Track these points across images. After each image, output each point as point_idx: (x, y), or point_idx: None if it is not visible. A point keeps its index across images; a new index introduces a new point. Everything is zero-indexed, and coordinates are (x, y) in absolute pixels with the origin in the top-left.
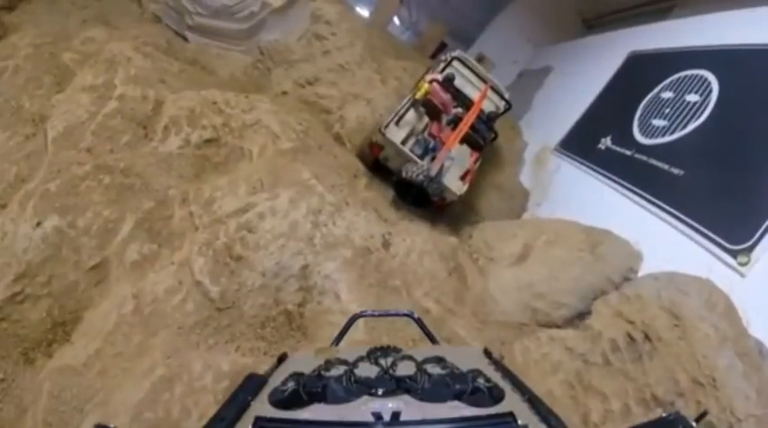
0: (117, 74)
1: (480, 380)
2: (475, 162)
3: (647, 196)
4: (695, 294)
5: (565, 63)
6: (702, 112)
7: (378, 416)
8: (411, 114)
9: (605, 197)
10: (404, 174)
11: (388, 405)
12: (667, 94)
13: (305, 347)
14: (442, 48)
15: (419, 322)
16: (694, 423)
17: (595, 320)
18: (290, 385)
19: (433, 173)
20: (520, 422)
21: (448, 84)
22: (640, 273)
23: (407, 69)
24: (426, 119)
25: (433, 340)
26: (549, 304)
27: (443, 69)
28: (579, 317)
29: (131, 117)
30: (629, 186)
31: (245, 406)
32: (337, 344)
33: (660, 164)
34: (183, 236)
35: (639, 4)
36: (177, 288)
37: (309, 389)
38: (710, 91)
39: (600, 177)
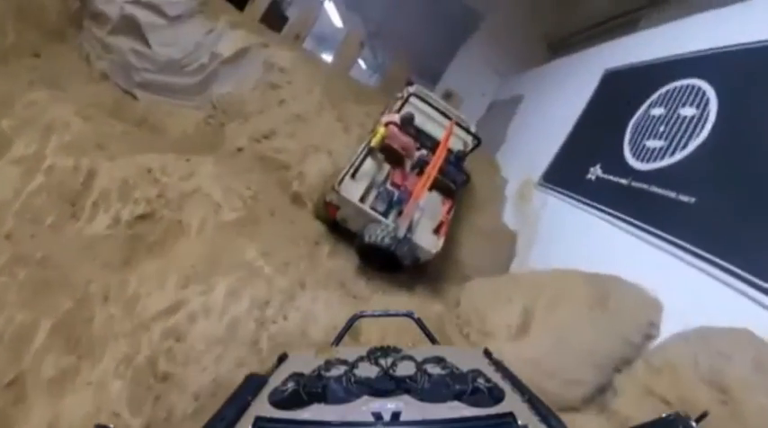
0: (50, 142)
1: (480, 381)
2: (448, 211)
3: (655, 231)
4: (738, 355)
5: (536, 90)
6: (703, 126)
7: (378, 416)
8: (369, 164)
9: (604, 234)
10: (366, 239)
11: (387, 406)
12: (658, 111)
13: None
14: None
15: (419, 322)
16: (694, 424)
17: (621, 402)
18: (290, 385)
19: (402, 233)
20: (520, 422)
21: (407, 124)
22: (662, 326)
23: (371, 114)
24: (387, 167)
25: (432, 340)
26: (562, 383)
27: (400, 108)
28: (599, 392)
29: (59, 193)
30: (632, 220)
31: (245, 406)
32: (337, 345)
33: (665, 192)
34: (104, 345)
35: (603, 22)
36: (95, 415)
37: (309, 389)
38: (707, 101)
39: (594, 211)
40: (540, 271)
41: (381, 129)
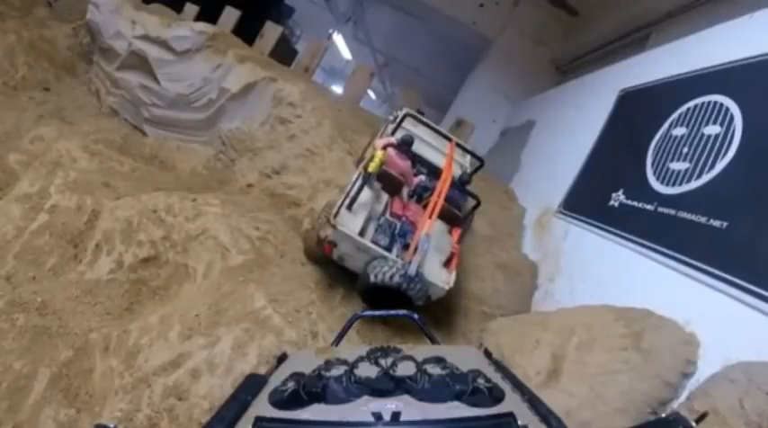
0: (56, 178)
1: (480, 381)
2: (458, 241)
3: (686, 259)
4: None
5: (547, 114)
6: (730, 145)
7: (378, 416)
8: (366, 194)
9: (632, 264)
10: (372, 279)
11: (387, 406)
12: (680, 131)
13: None
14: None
15: (419, 322)
16: (694, 424)
17: None
18: (291, 385)
19: (413, 270)
20: (520, 422)
21: (405, 148)
22: (700, 362)
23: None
24: (385, 196)
25: (433, 340)
26: None
27: (394, 131)
28: None
29: (62, 233)
30: (660, 248)
31: (245, 406)
32: (337, 345)
33: (694, 217)
34: (103, 399)
35: (610, 41)
36: None
37: (309, 389)
38: (731, 117)
39: (619, 240)
40: (568, 309)
41: (379, 153)
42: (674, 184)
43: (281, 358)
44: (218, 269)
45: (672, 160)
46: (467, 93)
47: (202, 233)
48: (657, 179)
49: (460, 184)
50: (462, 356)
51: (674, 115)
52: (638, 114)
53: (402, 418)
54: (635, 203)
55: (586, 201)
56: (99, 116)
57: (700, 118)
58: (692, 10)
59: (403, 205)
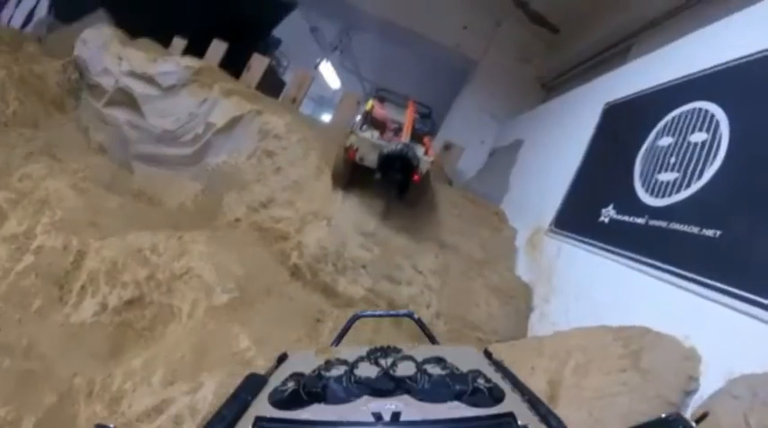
0: (42, 218)
1: (480, 381)
2: (429, 141)
3: (681, 272)
4: None
5: (535, 132)
6: (717, 151)
7: (378, 416)
8: (365, 128)
9: (627, 280)
10: (386, 151)
11: (387, 406)
12: (666, 140)
13: None
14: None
15: (419, 322)
16: (694, 424)
17: None
18: (290, 385)
19: (407, 140)
20: (520, 422)
21: (382, 101)
22: (702, 378)
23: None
24: (376, 131)
25: (433, 340)
26: None
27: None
28: None
29: (48, 274)
30: (653, 262)
31: (245, 406)
32: (337, 345)
33: (686, 228)
34: None
35: (594, 55)
36: None
37: (309, 389)
38: (717, 123)
39: (612, 256)
40: (563, 332)
41: (370, 102)
42: (663, 196)
43: (281, 358)
44: (202, 309)
45: (660, 171)
46: (455, 116)
47: (187, 272)
48: (647, 191)
49: (421, 117)
50: (462, 356)
51: (660, 125)
52: (623, 127)
53: (402, 418)
54: (625, 218)
55: (577, 218)
56: (88, 153)
57: (685, 126)
58: (672, 18)
59: (388, 137)
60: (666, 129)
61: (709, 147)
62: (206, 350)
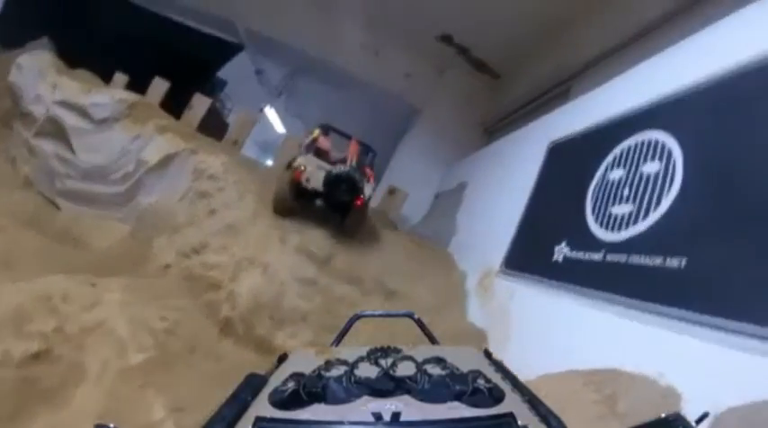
0: None
1: (480, 381)
2: (371, 172)
3: (648, 305)
4: None
5: (479, 174)
6: (673, 179)
7: (378, 417)
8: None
9: (587, 320)
10: (335, 172)
11: (387, 406)
12: (616, 174)
13: None
14: None
15: (419, 322)
16: (694, 424)
17: None
18: (291, 385)
19: (354, 164)
20: (520, 422)
21: (327, 131)
22: (688, 416)
23: (310, 218)
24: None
25: (433, 340)
26: None
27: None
28: None
29: None
30: (617, 298)
31: (245, 406)
32: (337, 345)
33: (648, 260)
34: None
35: (534, 98)
36: None
37: (309, 390)
38: (669, 151)
39: (571, 295)
40: (529, 381)
41: (316, 131)
42: (619, 229)
43: (281, 358)
44: (114, 370)
45: (613, 204)
46: (399, 161)
47: (99, 325)
48: (601, 226)
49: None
50: (462, 356)
51: (609, 158)
52: (571, 163)
53: (402, 418)
54: (580, 254)
55: (529, 258)
56: (13, 187)
57: (636, 157)
58: (607, 58)
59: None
60: (616, 161)
61: (664, 176)
62: (116, 419)
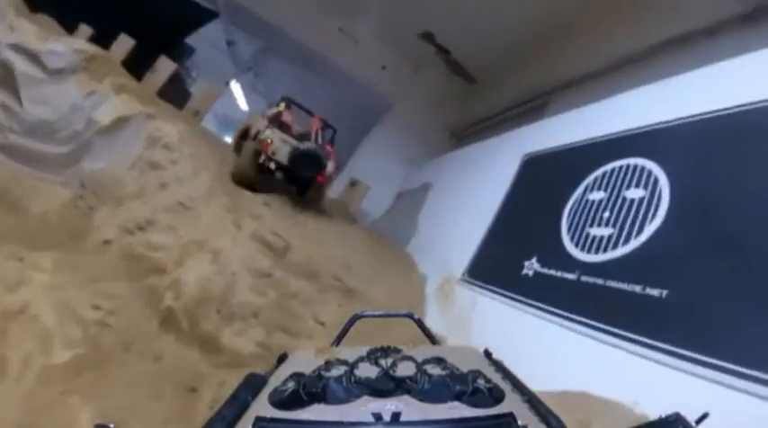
0: None
1: (480, 381)
2: (331, 147)
3: (625, 333)
4: None
5: (446, 177)
6: (657, 208)
7: (378, 417)
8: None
9: (556, 340)
10: (302, 148)
11: (387, 406)
12: (597, 195)
13: None
14: None
15: (419, 323)
16: (694, 424)
17: None
18: (291, 385)
19: (318, 140)
20: (520, 422)
21: (289, 104)
22: None
23: (271, 204)
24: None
25: (433, 341)
26: None
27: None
28: None
29: None
30: (590, 322)
31: (245, 406)
32: (337, 345)
33: (626, 287)
34: None
35: (508, 108)
36: None
37: (309, 390)
38: (656, 179)
39: (539, 313)
40: None
41: (281, 103)
42: (597, 251)
43: (281, 358)
44: (36, 368)
45: (591, 225)
46: (363, 155)
47: (22, 310)
48: (576, 246)
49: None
50: (462, 356)
51: (590, 179)
52: (547, 179)
53: (402, 418)
54: (552, 272)
55: (495, 269)
56: None
57: (619, 181)
58: (588, 80)
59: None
60: (597, 183)
61: (648, 203)
62: None
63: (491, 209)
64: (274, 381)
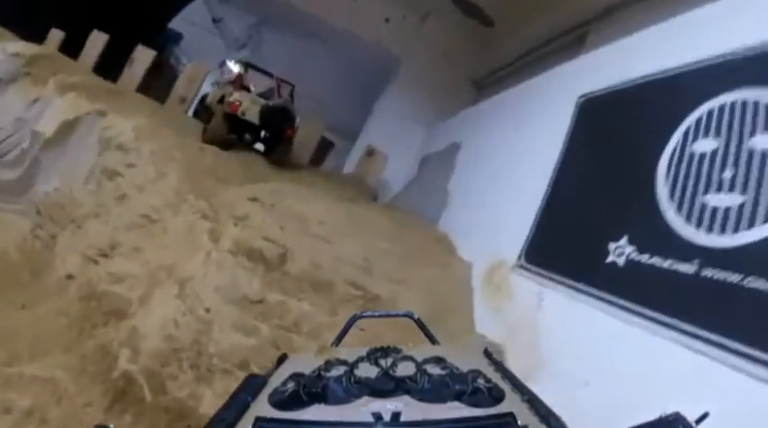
0: None
1: (480, 381)
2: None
3: None
4: None
5: (476, 135)
6: None
7: (378, 417)
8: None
9: (682, 368)
10: (272, 104)
11: (387, 406)
12: (706, 145)
13: None
14: (324, 148)
15: (419, 322)
16: (694, 424)
17: None
18: (291, 385)
19: (287, 96)
20: (520, 422)
21: (250, 67)
22: None
23: (260, 198)
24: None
25: (432, 340)
26: None
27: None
28: None
29: None
30: (727, 343)
31: (245, 407)
32: (337, 345)
33: None
34: None
35: (536, 47)
36: None
37: (309, 390)
38: None
39: (645, 323)
40: None
41: (240, 68)
42: (723, 230)
43: (281, 358)
44: None
45: (707, 191)
46: (376, 120)
47: None
48: (688, 221)
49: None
50: (462, 356)
51: (689, 121)
52: (621, 126)
53: (402, 418)
54: (655, 260)
55: (565, 252)
56: None
57: (737, 124)
58: (634, 4)
59: None
60: (703, 127)
61: None
62: None
63: (544, 170)
64: (274, 382)
